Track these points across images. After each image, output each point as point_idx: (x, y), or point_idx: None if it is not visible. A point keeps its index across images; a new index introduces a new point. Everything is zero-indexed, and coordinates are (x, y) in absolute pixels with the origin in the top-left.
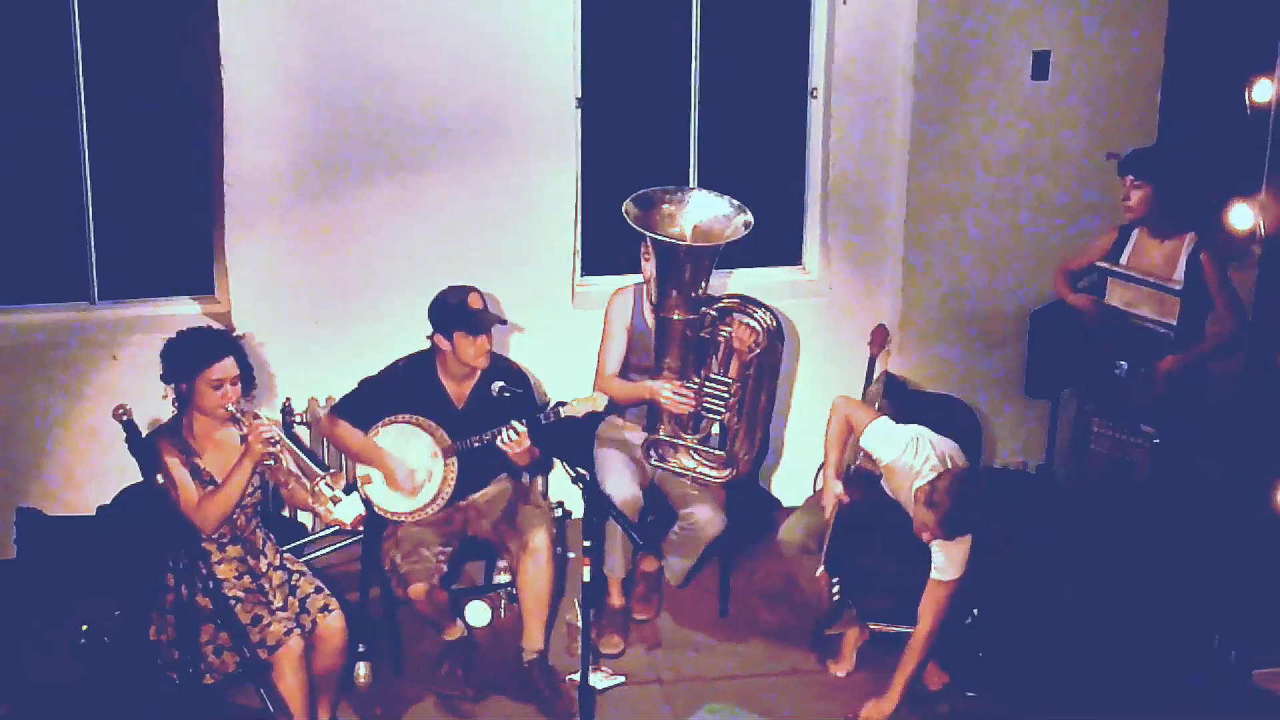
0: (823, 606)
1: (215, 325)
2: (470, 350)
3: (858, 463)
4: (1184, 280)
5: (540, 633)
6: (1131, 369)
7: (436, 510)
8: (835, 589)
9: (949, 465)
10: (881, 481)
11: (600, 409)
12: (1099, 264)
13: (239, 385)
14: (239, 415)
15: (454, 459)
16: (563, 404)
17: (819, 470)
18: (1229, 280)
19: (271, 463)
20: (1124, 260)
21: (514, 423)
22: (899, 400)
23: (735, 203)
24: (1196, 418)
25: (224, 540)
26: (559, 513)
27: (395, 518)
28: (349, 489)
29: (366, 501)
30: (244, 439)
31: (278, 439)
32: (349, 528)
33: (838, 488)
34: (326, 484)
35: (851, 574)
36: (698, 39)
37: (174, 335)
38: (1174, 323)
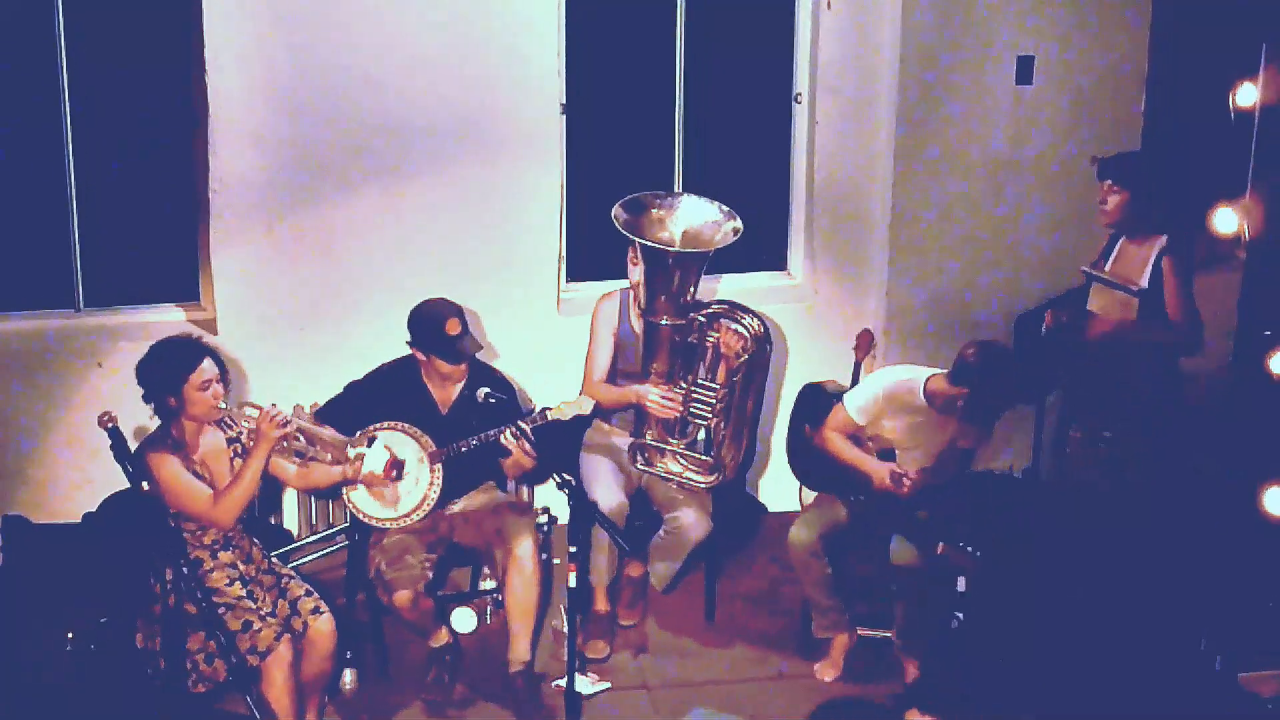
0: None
1: (195, 333)
2: (447, 368)
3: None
4: (1147, 283)
5: (527, 644)
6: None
7: (421, 517)
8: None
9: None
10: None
11: (586, 412)
12: (1083, 268)
13: (223, 383)
14: (227, 418)
15: (440, 465)
16: (548, 408)
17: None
18: (1189, 286)
19: (286, 443)
20: (1108, 266)
21: (516, 427)
22: None
23: (725, 209)
24: (1169, 419)
25: (216, 547)
26: (544, 518)
27: (380, 524)
28: (370, 441)
29: (388, 450)
30: (231, 441)
31: (288, 419)
32: (383, 477)
33: (883, 467)
34: (351, 446)
35: (850, 580)
36: (682, 44)
37: (144, 356)
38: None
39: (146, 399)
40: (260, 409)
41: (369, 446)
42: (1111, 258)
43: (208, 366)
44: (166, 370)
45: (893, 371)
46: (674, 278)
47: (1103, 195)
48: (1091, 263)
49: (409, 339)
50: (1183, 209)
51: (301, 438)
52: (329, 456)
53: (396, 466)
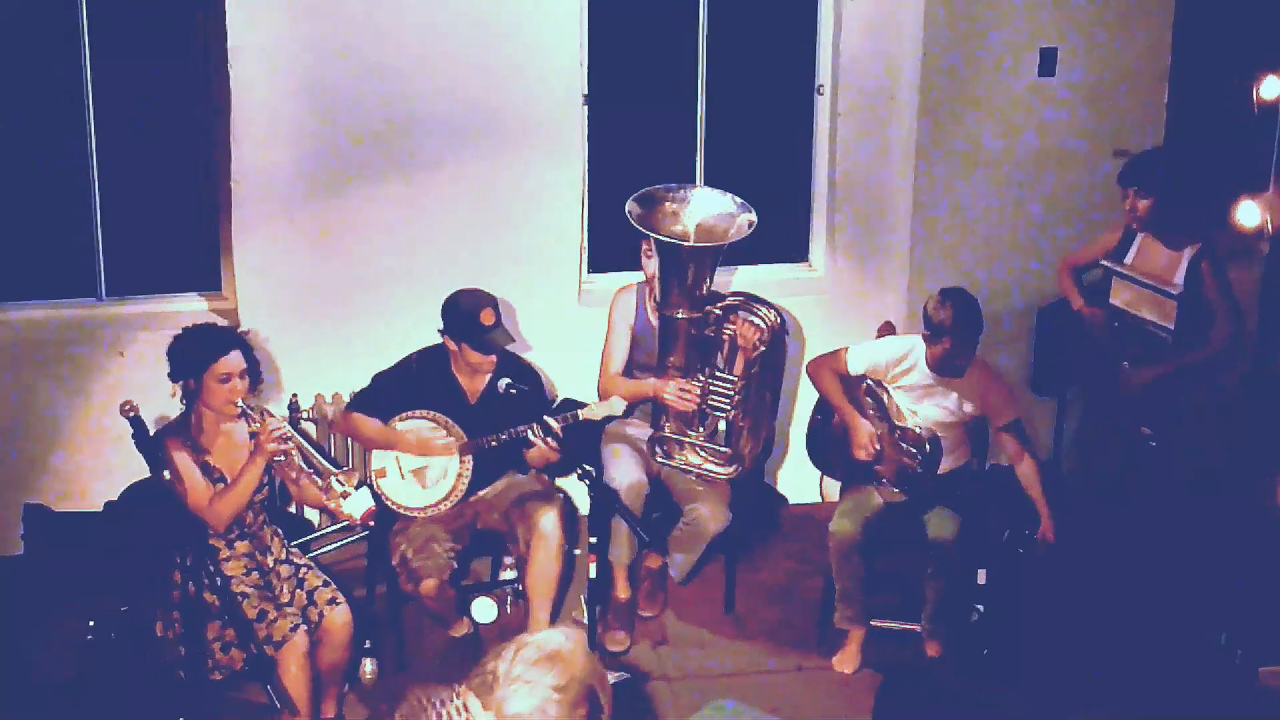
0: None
1: (220, 321)
2: (476, 358)
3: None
4: (1183, 285)
5: (546, 619)
6: (1133, 369)
7: (449, 507)
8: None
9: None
10: (893, 397)
11: (618, 414)
12: (1104, 262)
13: (246, 379)
14: (248, 411)
15: (469, 457)
16: (580, 405)
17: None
18: (1229, 287)
19: (281, 459)
20: (1128, 260)
21: (546, 422)
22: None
23: (739, 201)
24: (1196, 420)
25: (232, 537)
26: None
27: (408, 513)
28: (360, 485)
29: (377, 496)
30: (253, 435)
31: (289, 436)
32: (359, 522)
33: (868, 426)
34: (338, 480)
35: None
36: (704, 35)
37: (178, 333)
38: (1171, 326)
39: (171, 377)
40: (270, 418)
41: (356, 489)
42: (1132, 252)
43: (233, 360)
44: (192, 353)
45: (900, 338)
46: (688, 271)
47: (1130, 202)
48: (1108, 254)
49: (441, 326)
50: (1210, 208)
51: (298, 457)
52: (320, 482)
53: (375, 517)
